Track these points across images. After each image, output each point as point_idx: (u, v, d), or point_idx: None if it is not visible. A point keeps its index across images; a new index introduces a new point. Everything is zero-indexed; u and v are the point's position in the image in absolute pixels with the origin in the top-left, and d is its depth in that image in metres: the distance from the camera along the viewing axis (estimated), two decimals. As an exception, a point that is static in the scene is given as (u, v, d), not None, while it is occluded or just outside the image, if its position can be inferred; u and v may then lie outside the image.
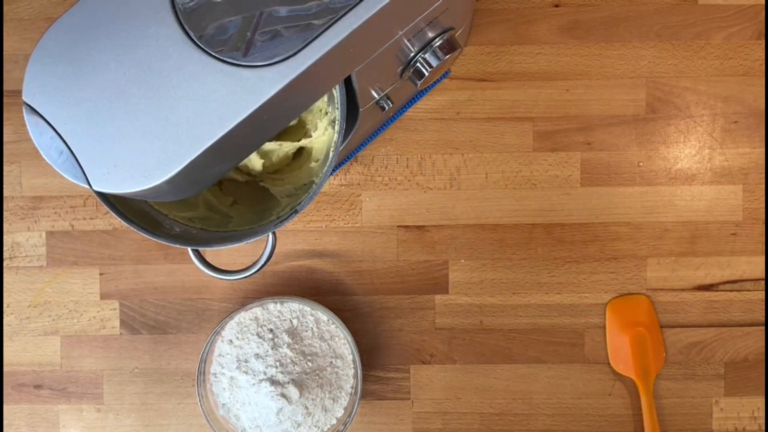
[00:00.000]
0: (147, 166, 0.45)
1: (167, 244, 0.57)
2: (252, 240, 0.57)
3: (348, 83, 0.57)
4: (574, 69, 0.76)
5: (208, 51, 0.45)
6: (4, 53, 0.77)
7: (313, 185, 0.60)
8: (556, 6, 0.76)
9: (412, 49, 0.59)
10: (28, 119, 0.46)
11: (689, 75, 0.76)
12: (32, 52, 0.47)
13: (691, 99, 0.76)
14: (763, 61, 0.76)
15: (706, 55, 0.76)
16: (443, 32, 0.60)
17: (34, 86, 0.47)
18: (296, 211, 0.58)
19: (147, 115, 0.45)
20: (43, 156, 0.47)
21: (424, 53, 0.60)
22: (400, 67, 0.61)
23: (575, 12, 0.76)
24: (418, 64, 0.61)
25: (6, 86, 0.77)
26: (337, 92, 0.58)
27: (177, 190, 0.49)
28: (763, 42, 0.76)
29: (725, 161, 0.76)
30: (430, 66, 0.60)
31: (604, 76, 0.76)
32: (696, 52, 0.76)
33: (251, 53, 0.45)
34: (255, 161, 0.64)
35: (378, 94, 0.62)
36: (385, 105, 0.64)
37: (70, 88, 0.46)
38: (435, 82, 0.75)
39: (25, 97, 0.47)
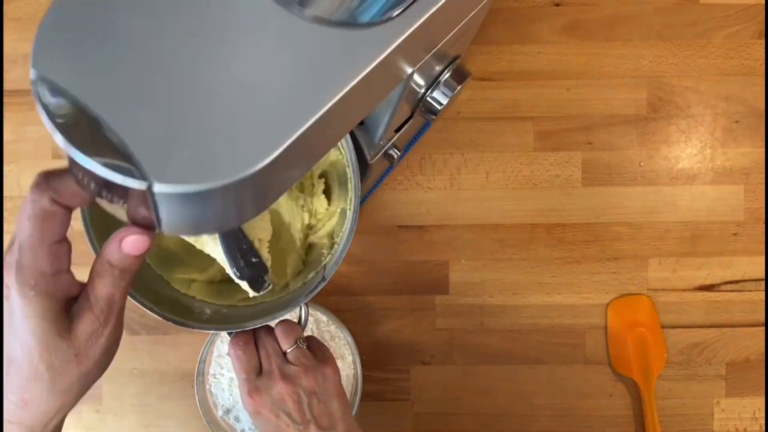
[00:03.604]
0: (237, 152, 0.32)
1: (201, 331, 0.56)
2: (285, 314, 0.56)
3: (355, 141, 0.56)
4: (575, 68, 0.76)
5: (298, 9, 0.34)
6: (4, 53, 0.77)
7: (335, 246, 0.60)
8: (557, 5, 0.76)
9: (421, 85, 0.55)
10: (42, 93, 0.31)
11: (690, 74, 0.76)
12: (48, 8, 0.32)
13: (693, 98, 0.76)
14: (764, 61, 0.75)
15: (707, 54, 0.76)
16: (451, 62, 0.57)
17: (47, 52, 0.32)
18: (324, 279, 0.57)
19: (224, 89, 0.33)
20: (69, 154, 0.30)
21: (434, 90, 0.56)
22: (411, 106, 0.58)
23: (576, 11, 0.76)
24: (429, 99, 0.57)
25: (5, 86, 0.77)
26: (347, 150, 0.57)
27: (253, 196, 0.36)
28: (764, 41, 0.75)
29: (726, 161, 0.76)
30: (446, 97, 0.56)
31: (605, 76, 0.76)
32: (697, 52, 0.75)
33: (352, 11, 0.35)
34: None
35: (386, 142, 0.60)
36: (393, 154, 0.62)
37: (95, 54, 0.32)
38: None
39: (33, 66, 0.31)
